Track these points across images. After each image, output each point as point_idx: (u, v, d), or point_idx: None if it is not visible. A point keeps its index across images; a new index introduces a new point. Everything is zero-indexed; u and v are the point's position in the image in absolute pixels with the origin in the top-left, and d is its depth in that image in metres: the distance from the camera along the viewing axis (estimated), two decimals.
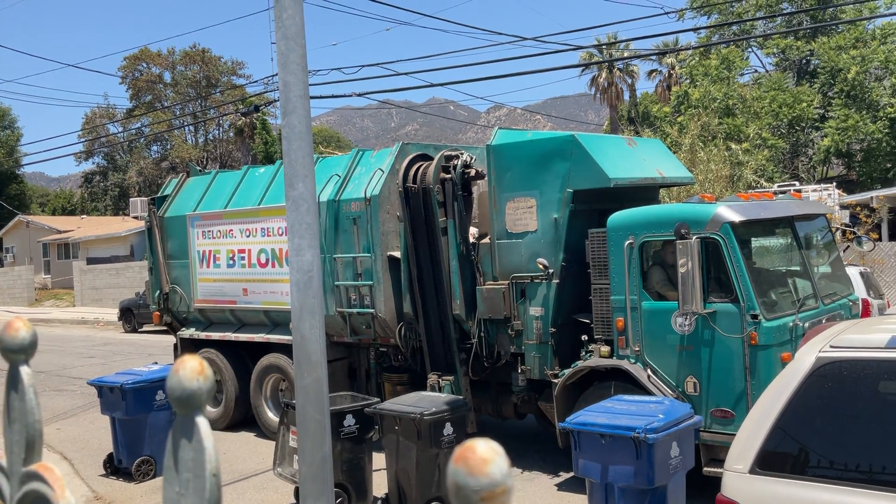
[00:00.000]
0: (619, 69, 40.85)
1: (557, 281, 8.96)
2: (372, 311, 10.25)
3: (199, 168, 13.54)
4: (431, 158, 10.16)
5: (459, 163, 9.68)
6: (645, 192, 9.66)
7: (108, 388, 9.89)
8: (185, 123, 55.14)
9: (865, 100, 31.23)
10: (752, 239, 8.35)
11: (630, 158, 9.32)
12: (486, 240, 9.68)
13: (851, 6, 30.47)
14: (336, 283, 10.61)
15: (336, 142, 60.39)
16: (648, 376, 8.04)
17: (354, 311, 10.45)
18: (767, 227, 8.46)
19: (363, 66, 17.43)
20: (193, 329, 12.53)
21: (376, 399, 8.83)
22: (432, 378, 9.91)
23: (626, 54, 36.55)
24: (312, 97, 12.08)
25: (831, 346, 4.19)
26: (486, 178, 9.64)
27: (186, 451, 1.07)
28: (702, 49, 34.29)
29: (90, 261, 41.07)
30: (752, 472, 4.09)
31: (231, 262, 11.77)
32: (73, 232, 47.18)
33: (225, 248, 11.84)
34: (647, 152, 9.82)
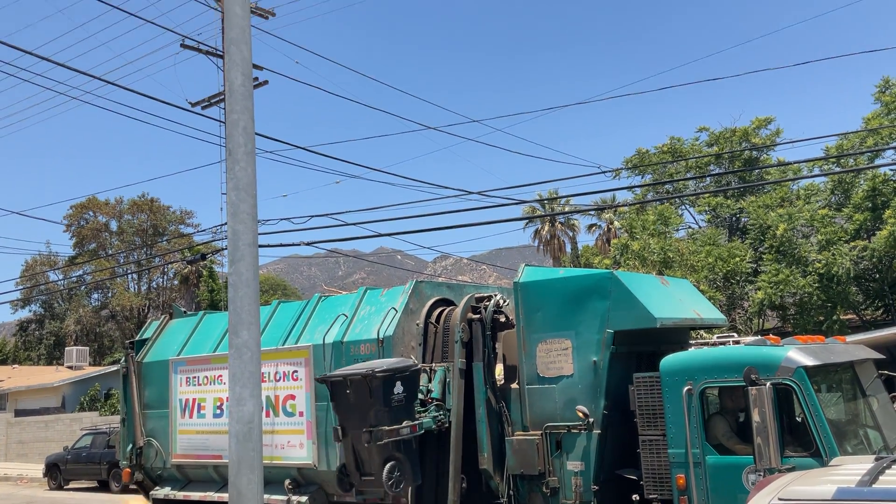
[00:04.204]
0: (560, 223, 41.31)
1: (599, 431, 7.87)
2: None
3: (183, 309, 12.19)
4: (451, 303, 9.20)
5: (492, 304, 8.71)
6: (678, 334, 8.82)
7: None
8: (129, 272, 53.03)
9: (794, 255, 31.80)
10: (823, 385, 7.49)
11: (668, 298, 8.51)
12: (515, 385, 8.59)
13: (776, 168, 31.60)
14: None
15: (283, 289, 58.86)
16: None
17: None
18: (834, 372, 7.63)
19: (312, 216, 16.73)
20: (169, 488, 10.84)
21: None
22: None
23: (566, 209, 36.99)
24: (261, 245, 11.13)
25: (780, 499, 4.12)
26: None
27: None
28: (638, 205, 34.90)
29: (19, 413, 38.03)
30: None
31: (218, 411, 10.29)
32: (3, 382, 43.75)
33: (211, 395, 10.39)
34: (682, 292, 9.06)
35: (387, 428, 7.87)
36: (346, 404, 8.16)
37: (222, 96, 19.53)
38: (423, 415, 8.47)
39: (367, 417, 7.96)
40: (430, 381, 8.85)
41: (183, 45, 18.69)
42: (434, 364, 9.02)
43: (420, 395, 8.66)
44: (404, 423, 8.04)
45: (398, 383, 8.06)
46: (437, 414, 8.60)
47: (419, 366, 8.73)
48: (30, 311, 58.85)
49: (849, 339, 12.88)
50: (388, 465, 8.03)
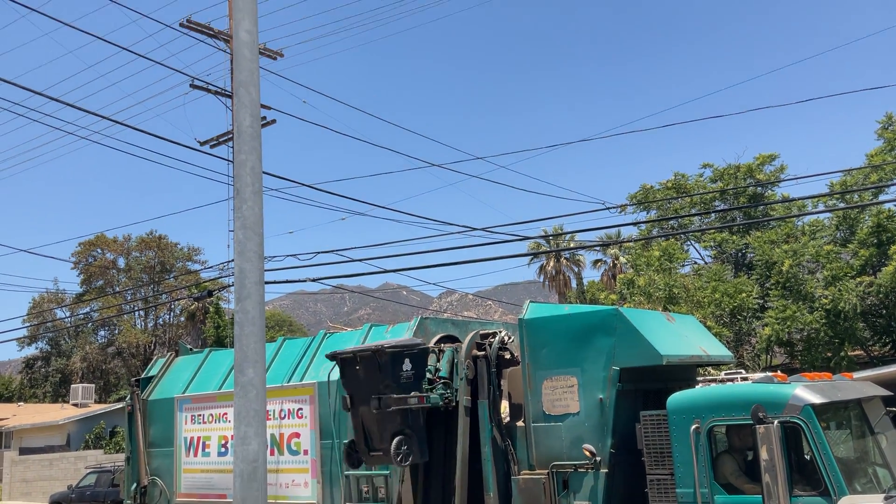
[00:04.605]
0: (565, 258, 41.32)
1: (606, 470, 7.80)
2: None
3: (189, 347, 12.19)
4: (456, 339, 9.18)
5: (496, 340, 8.68)
6: (685, 371, 8.77)
7: None
8: (136, 308, 53.08)
9: (801, 291, 31.70)
10: (831, 423, 7.43)
11: (673, 335, 8.48)
12: (520, 422, 8.53)
13: (781, 204, 31.62)
14: (346, 472, 9.19)
15: (288, 326, 58.79)
16: None
17: None
18: (842, 409, 7.57)
19: (318, 252, 16.81)
20: None
21: None
22: None
23: (571, 245, 37.04)
24: (267, 282, 11.19)
25: None
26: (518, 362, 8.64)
27: None
28: (643, 241, 34.94)
29: (23, 451, 37.82)
30: None
31: (223, 449, 10.24)
32: (8, 420, 43.60)
33: (217, 433, 10.34)
34: (687, 328, 9.02)
35: (395, 396, 7.99)
36: (356, 380, 8.33)
37: (230, 135, 19.74)
38: (430, 392, 8.55)
39: (376, 392, 8.10)
40: (438, 360, 8.91)
41: (192, 86, 18.96)
42: (443, 345, 9.09)
43: (428, 374, 8.74)
44: (413, 394, 8.16)
45: (406, 360, 8.27)
46: (444, 392, 8.62)
47: (428, 346, 8.85)
48: (36, 348, 58.91)
49: (856, 375, 12.79)
50: (396, 439, 8.11)
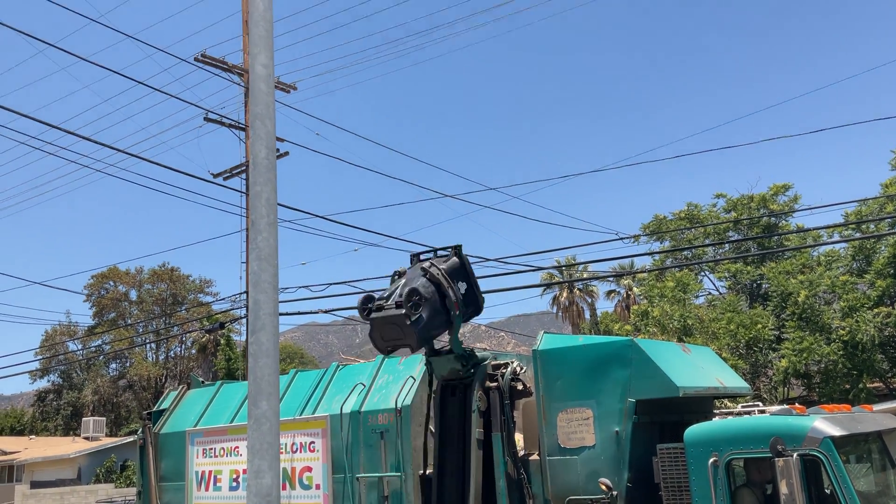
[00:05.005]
0: (579, 289, 41.22)
1: None
2: None
3: (201, 379, 12.18)
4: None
5: (508, 371, 8.62)
6: (702, 403, 8.68)
7: None
8: (148, 341, 53.21)
9: (817, 322, 31.43)
10: (851, 455, 7.32)
11: (690, 366, 8.41)
12: (535, 456, 8.45)
13: (796, 234, 31.44)
14: None
15: (300, 357, 58.73)
16: None
17: None
18: (863, 442, 7.47)
19: (330, 283, 16.81)
20: None
21: None
22: None
23: (584, 275, 36.95)
24: (279, 314, 11.22)
25: None
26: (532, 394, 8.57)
27: None
28: (657, 272, 34.80)
29: (34, 484, 37.75)
30: None
31: (234, 483, 10.18)
32: (20, 453, 43.59)
33: (228, 467, 10.29)
34: (703, 360, 8.95)
35: None
36: None
37: (243, 167, 19.91)
38: None
39: None
40: None
41: (206, 119, 19.18)
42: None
43: None
44: None
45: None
46: None
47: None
48: (48, 381, 59.02)
49: (876, 407, 12.64)
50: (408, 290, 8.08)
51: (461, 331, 8.91)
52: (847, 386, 30.13)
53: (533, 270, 33.02)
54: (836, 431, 6.73)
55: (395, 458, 8.95)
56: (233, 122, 19.76)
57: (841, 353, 29.63)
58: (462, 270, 8.75)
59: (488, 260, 23.38)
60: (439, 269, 8.47)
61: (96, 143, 13.61)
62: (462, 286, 8.60)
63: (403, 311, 8.07)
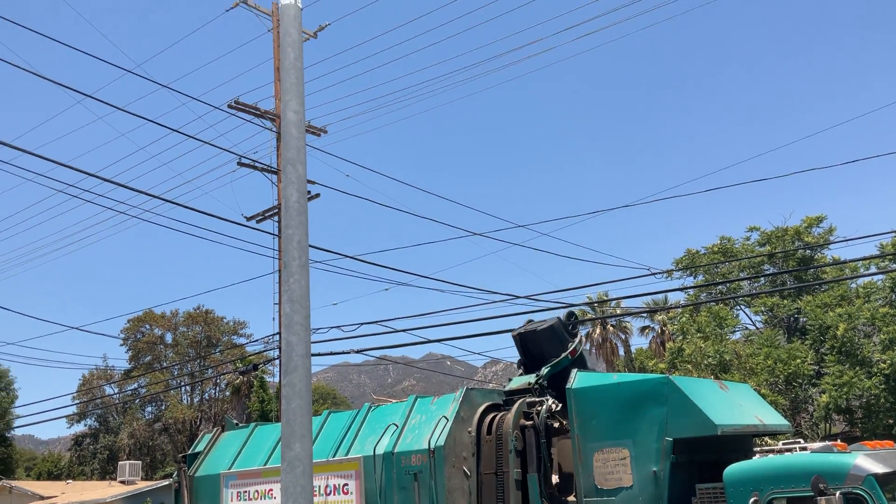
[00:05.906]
0: (612, 326, 40.87)
1: None
2: None
3: (235, 421, 12.23)
4: (502, 409, 9.07)
5: (544, 409, 8.56)
6: (741, 441, 8.53)
7: None
8: (183, 384, 53.60)
9: (857, 356, 30.78)
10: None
11: (727, 403, 8.29)
12: (572, 497, 8.34)
13: (832, 266, 30.96)
14: None
15: (332, 398, 58.66)
16: None
17: None
18: None
19: (362, 323, 16.91)
20: None
21: None
22: None
23: (617, 311, 36.63)
24: (311, 355, 11.28)
25: None
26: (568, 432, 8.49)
27: None
28: (691, 307, 34.36)
29: None
30: None
31: None
32: (57, 498, 43.84)
33: None
34: (741, 397, 8.82)
35: None
36: None
37: (276, 210, 20.19)
38: None
39: None
40: None
41: (240, 164, 19.54)
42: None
43: None
44: None
45: None
46: None
47: None
48: (85, 425, 59.53)
49: None
50: None
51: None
52: (890, 421, 29.38)
53: (564, 307, 32.78)
54: (880, 469, 6.59)
55: (429, 500, 8.88)
56: (265, 166, 20.10)
57: (882, 386, 28.97)
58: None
59: (519, 297, 23.30)
60: None
61: (132, 189, 13.93)
62: None
63: None
